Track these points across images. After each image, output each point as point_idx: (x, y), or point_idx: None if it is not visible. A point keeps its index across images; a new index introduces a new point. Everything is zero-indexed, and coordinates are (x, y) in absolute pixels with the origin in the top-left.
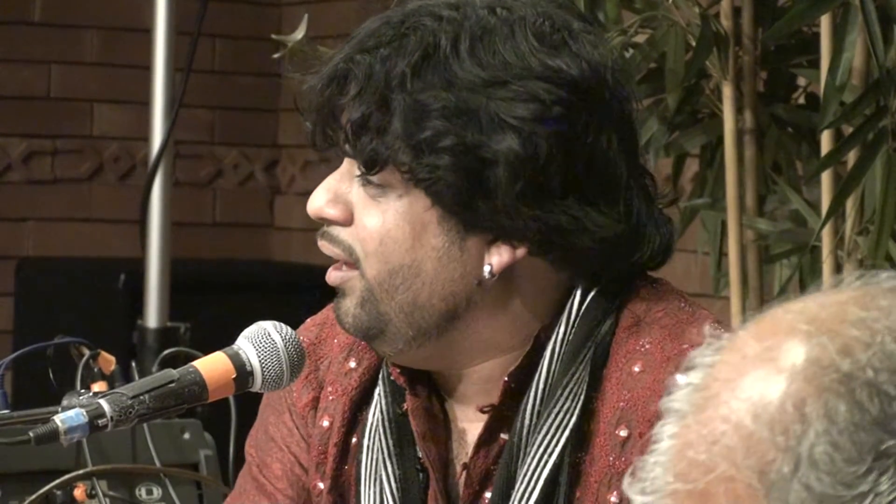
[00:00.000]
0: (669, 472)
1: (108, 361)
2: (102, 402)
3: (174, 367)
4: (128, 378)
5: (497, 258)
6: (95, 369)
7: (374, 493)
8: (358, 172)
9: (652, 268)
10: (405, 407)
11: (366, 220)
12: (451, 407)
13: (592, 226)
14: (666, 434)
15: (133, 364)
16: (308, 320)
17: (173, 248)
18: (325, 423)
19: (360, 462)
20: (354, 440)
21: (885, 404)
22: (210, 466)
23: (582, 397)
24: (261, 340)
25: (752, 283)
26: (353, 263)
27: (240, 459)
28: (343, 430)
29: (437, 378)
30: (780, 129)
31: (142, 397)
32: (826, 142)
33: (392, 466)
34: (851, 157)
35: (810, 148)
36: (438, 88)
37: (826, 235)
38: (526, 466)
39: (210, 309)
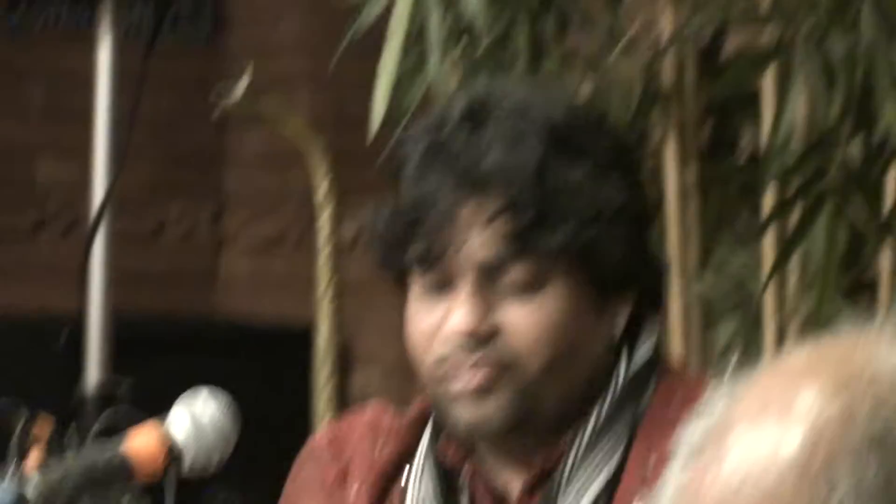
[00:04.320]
0: None
1: (46, 424)
2: (32, 479)
3: (116, 427)
4: (64, 442)
5: (621, 315)
6: (31, 434)
7: None
8: (502, 280)
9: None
10: (463, 476)
11: (525, 321)
12: (508, 460)
13: (653, 257)
14: (677, 473)
15: (74, 424)
16: (323, 426)
17: (115, 301)
18: (354, 487)
19: None
20: None
21: None
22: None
23: (618, 454)
24: (193, 417)
25: (693, 344)
26: (500, 370)
27: None
28: (369, 494)
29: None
30: (723, 186)
31: (70, 476)
32: (769, 199)
33: None
34: (795, 215)
35: (753, 206)
36: (575, 166)
37: (769, 295)
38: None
39: (154, 365)
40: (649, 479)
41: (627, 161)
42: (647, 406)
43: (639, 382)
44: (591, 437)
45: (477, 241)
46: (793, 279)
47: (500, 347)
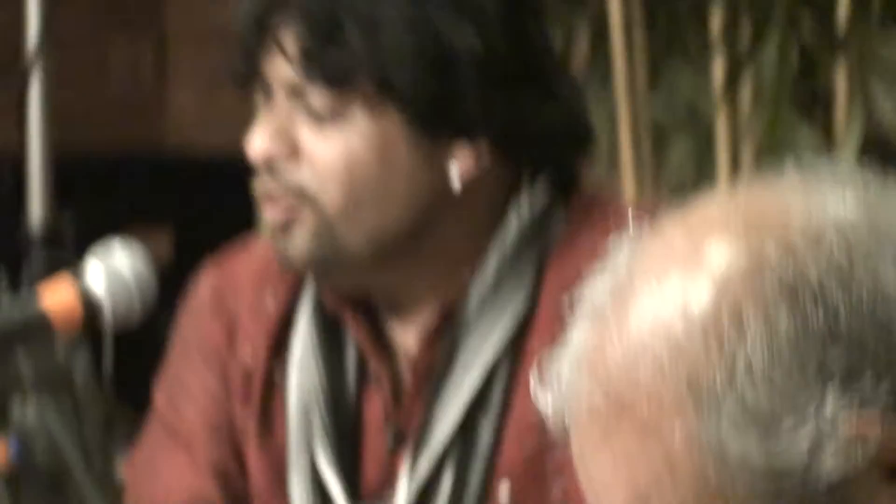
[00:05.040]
0: (586, 377)
1: None
2: None
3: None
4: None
5: (464, 162)
6: None
7: (303, 423)
8: (299, 103)
9: (586, 150)
10: (344, 320)
11: (322, 150)
12: (398, 307)
13: (552, 112)
14: (582, 331)
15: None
16: (207, 263)
17: (60, 139)
18: (247, 359)
19: (287, 394)
20: (279, 373)
21: (831, 317)
22: (87, 376)
23: (526, 290)
24: (110, 266)
25: (646, 168)
26: (300, 199)
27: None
28: (267, 365)
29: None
30: (671, 6)
31: None
32: (717, 19)
33: (326, 397)
34: (745, 36)
35: (704, 22)
36: None
37: (722, 117)
38: (466, 354)
39: (102, 201)
40: (565, 319)
41: (487, 6)
42: (556, 240)
43: (541, 218)
44: (490, 280)
45: (278, 60)
46: (745, 100)
47: (297, 176)
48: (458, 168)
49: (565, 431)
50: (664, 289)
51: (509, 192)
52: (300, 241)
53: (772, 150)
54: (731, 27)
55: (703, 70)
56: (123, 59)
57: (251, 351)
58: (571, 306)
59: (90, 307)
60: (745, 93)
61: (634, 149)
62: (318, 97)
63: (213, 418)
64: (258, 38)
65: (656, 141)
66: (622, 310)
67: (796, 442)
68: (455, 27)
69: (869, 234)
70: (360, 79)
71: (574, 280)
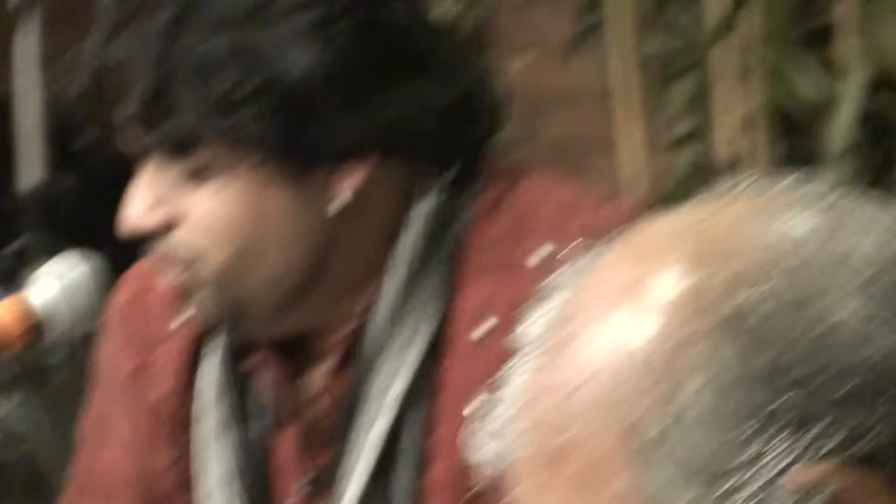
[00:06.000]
0: (523, 422)
1: None
2: None
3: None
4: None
5: (348, 181)
6: None
7: (220, 458)
8: (166, 167)
9: (489, 135)
10: (252, 362)
11: (195, 211)
12: (306, 344)
13: (426, 102)
14: (519, 372)
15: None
16: (127, 272)
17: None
18: (158, 393)
19: (199, 430)
20: (189, 408)
21: (782, 357)
22: (64, 372)
23: (436, 306)
24: (57, 280)
25: (647, 109)
26: (190, 263)
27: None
28: (176, 399)
29: None
30: None
31: None
32: None
33: (235, 429)
34: None
35: None
36: (209, 35)
37: (721, 51)
38: (375, 387)
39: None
40: (483, 342)
41: (317, 17)
42: (464, 245)
43: (444, 223)
44: (391, 303)
45: (124, 129)
46: (748, 34)
47: (181, 241)
48: (344, 190)
49: (501, 478)
50: (605, 328)
51: (406, 199)
52: (203, 304)
53: (777, 86)
54: None
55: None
56: None
57: (161, 386)
58: (489, 328)
59: (34, 324)
60: (748, 27)
61: (634, 90)
62: (171, 161)
63: (128, 470)
64: (101, 112)
65: (659, 76)
66: (561, 351)
67: (743, 496)
68: (291, 52)
69: (826, 264)
70: (206, 136)
71: (489, 295)
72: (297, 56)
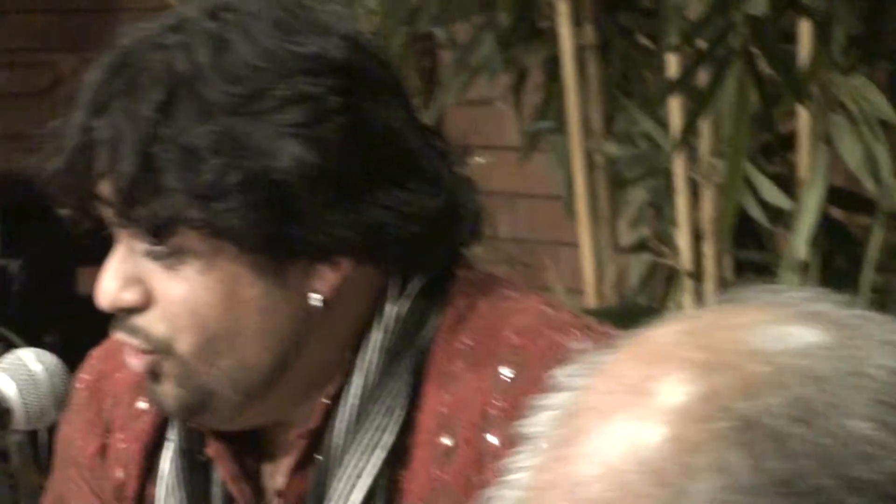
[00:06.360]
0: None
1: None
2: None
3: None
4: None
5: (324, 282)
6: None
7: None
8: (143, 246)
9: (469, 242)
10: (207, 451)
11: (169, 293)
12: (266, 437)
13: (411, 209)
14: (524, 465)
15: None
16: (91, 353)
17: (7, 163)
18: (119, 475)
19: None
20: (150, 491)
21: (792, 467)
22: (22, 452)
23: (399, 411)
24: (19, 372)
25: (602, 213)
26: (155, 348)
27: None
28: (138, 482)
29: None
30: (626, 41)
31: None
32: (673, 58)
33: None
34: (703, 76)
35: (660, 59)
36: (197, 123)
37: (679, 160)
38: (335, 490)
39: (49, 234)
40: (446, 449)
41: (306, 114)
42: (430, 352)
43: (412, 328)
44: (356, 403)
45: (101, 203)
46: (704, 142)
47: (148, 322)
48: (321, 287)
49: None
50: (612, 428)
51: (379, 298)
52: (167, 391)
53: (732, 194)
54: (688, 70)
55: (659, 112)
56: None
57: (122, 468)
58: (451, 443)
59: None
60: (704, 135)
61: (589, 191)
62: (145, 241)
63: None
64: (77, 187)
65: (613, 185)
66: (566, 451)
67: None
68: (278, 147)
69: (839, 374)
70: (184, 223)
71: (451, 411)
72: (283, 151)
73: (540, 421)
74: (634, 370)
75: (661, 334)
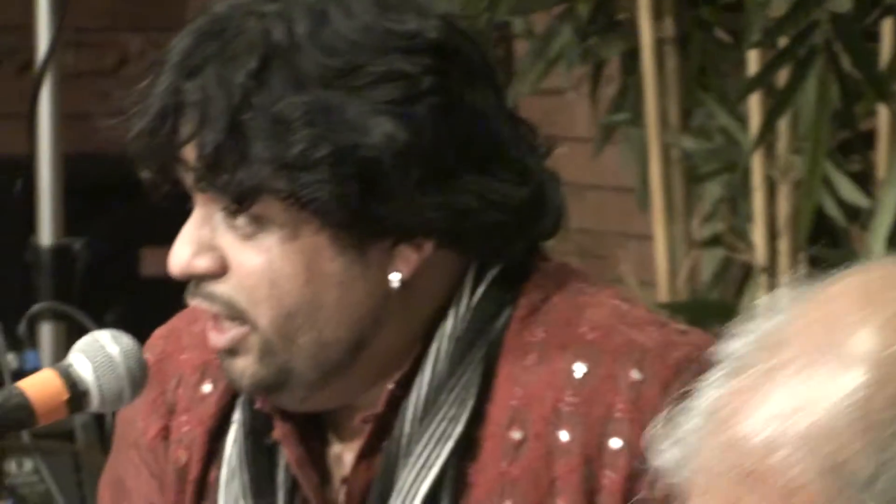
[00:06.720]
0: (717, 438)
1: None
2: None
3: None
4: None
5: (404, 262)
6: None
7: None
8: (221, 214)
9: (550, 235)
10: (273, 435)
11: (246, 264)
12: (330, 422)
13: (498, 197)
14: (718, 388)
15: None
16: (155, 332)
17: (76, 143)
18: (182, 458)
19: (218, 500)
20: (214, 474)
21: None
22: (87, 432)
23: (470, 402)
24: (96, 354)
25: (676, 207)
26: (237, 318)
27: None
28: (201, 465)
29: None
30: (706, 34)
31: None
32: (754, 54)
33: (258, 499)
34: (783, 72)
35: (739, 54)
36: (291, 93)
37: (757, 156)
38: (403, 480)
39: (117, 210)
40: (515, 444)
41: (401, 92)
42: (502, 344)
43: (487, 318)
44: (426, 392)
45: (183, 168)
46: (782, 139)
47: (225, 291)
48: (402, 267)
49: (677, 488)
50: (813, 366)
51: (457, 285)
52: (246, 366)
53: (810, 191)
54: (769, 67)
55: (738, 107)
56: (143, 58)
57: (185, 451)
58: (520, 437)
59: (76, 393)
60: (783, 131)
61: (664, 184)
62: (228, 209)
63: None
64: (162, 150)
65: (689, 180)
66: (770, 376)
67: None
68: (370, 123)
69: None
70: (269, 192)
71: (522, 404)
72: (375, 128)
73: (740, 346)
74: (824, 327)
75: (841, 292)
